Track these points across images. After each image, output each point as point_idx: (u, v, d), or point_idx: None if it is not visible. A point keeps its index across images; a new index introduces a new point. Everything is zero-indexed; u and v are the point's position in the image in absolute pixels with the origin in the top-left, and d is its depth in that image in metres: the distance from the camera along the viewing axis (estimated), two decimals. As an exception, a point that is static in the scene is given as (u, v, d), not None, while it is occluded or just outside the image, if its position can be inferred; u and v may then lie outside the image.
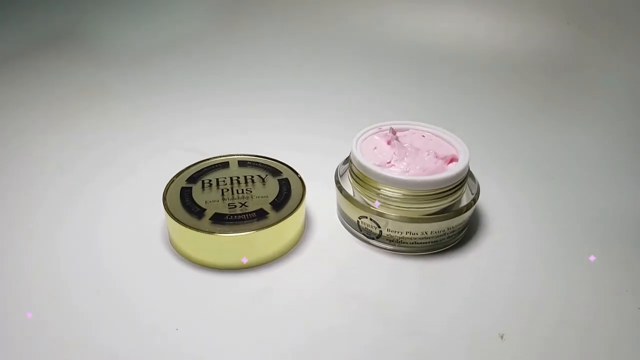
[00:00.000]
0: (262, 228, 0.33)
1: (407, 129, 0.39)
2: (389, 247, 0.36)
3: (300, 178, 0.38)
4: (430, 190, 0.33)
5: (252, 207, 0.34)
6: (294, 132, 0.51)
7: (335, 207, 0.39)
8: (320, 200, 0.40)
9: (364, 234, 0.36)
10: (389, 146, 0.37)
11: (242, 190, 0.36)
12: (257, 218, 0.34)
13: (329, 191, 0.39)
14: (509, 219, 0.39)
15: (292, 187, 0.37)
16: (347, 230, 0.38)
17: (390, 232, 0.35)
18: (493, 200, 0.41)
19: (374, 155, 0.36)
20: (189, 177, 0.37)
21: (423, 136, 0.38)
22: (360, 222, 0.36)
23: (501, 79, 0.61)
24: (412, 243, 0.35)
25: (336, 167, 0.39)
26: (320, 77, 0.61)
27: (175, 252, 0.35)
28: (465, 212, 0.35)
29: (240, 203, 0.35)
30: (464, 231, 0.37)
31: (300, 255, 0.35)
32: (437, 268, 0.34)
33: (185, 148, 0.48)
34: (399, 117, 0.53)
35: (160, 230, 0.37)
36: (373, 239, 0.36)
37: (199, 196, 0.35)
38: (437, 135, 0.38)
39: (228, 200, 0.35)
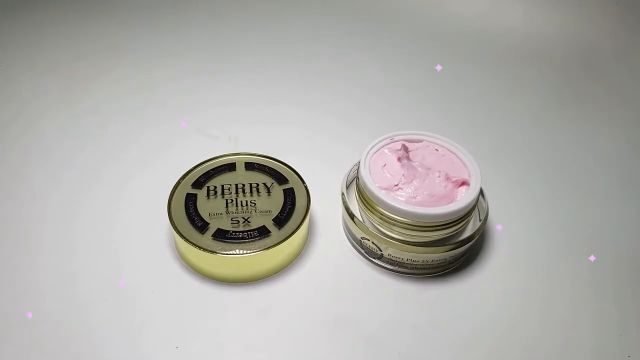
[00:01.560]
0: (264, 249, 0.33)
1: (421, 141, 0.38)
2: (389, 267, 0.36)
3: (305, 187, 0.37)
4: (434, 222, 0.33)
5: (255, 223, 0.34)
6: (308, 125, 0.48)
7: (341, 215, 0.39)
8: (328, 199, 0.40)
9: (365, 252, 0.36)
10: (398, 163, 0.36)
11: (246, 202, 0.36)
12: (259, 237, 0.34)
13: (337, 194, 0.39)
14: (517, 237, 0.38)
15: (297, 199, 0.36)
16: (349, 243, 0.38)
17: (391, 256, 0.35)
18: (503, 213, 0.40)
19: (382, 176, 0.35)
20: (194, 182, 0.37)
21: (437, 150, 0.37)
22: (362, 241, 0.36)
23: (535, 69, 0.57)
24: (413, 268, 0.35)
25: (345, 173, 0.38)
26: (339, 69, 0.56)
27: (179, 255, 0.36)
28: (467, 243, 0.34)
29: (243, 218, 0.35)
30: (466, 254, 0.37)
31: (301, 270, 0.36)
32: (436, 294, 0.35)
33: (196, 129, 0.47)
34: (419, 110, 0.51)
35: (166, 234, 0.37)
36: (375, 258, 0.36)
37: (203, 205, 0.35)
38: (450, 151, 0.37)
39: (231, 215, 0.35)
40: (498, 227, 0.39)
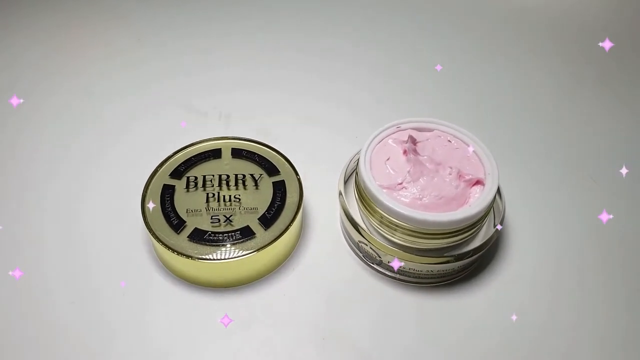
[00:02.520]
0: (246, 252, 0.29)
1: (432, 130, 0.33)
2: (390, 274, 0.32)
3: (299, 180, 0.33)
4: (440, 229, 0.28)
5: (238, 223, 0.30)
6: (308, 107, 0.43)
7: (339, 212, 0.35)
8: (326, 192, 0.35)
9: (364, 256, 0.32)
10: (404, 157, 0.31)
11: (230, 197, 0.32)
12: (241, 239, 0.30)
13: (336, 187, 0.34)
14: (533, 242, 0.34)
15: (288, 194, 0.32)
16: (347, 244, 0.34)
17: (391, 263, 0.31)
18: (519, 215, 0.35)
19: (384, 172, 0.30)
20: (173, 171, 0.33)
21: (449, 141, 0.32)
22: (360, 245, 0.32)
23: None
24: (416, 276, 0.31)
25: (345, 164, 0.34)
26: (343, 46, 0.51)
27: (155, 253, 0.32)
28: (474, 254, 0.30)
29: (225, 217, 0.31)
30: (476, 262, 0.33)
31: (290, 274, 0.32)
32: (438, 306, 0.31)
33: (184, 105, 0.43)
34: (431, 94, 0.45)
35: (142, 228, 0.34)
36: (374, 264, 0.32)
37: (181, 200, 0.31)
38: (465, 143, 0.32)
39: (212, 212, 0.31)
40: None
